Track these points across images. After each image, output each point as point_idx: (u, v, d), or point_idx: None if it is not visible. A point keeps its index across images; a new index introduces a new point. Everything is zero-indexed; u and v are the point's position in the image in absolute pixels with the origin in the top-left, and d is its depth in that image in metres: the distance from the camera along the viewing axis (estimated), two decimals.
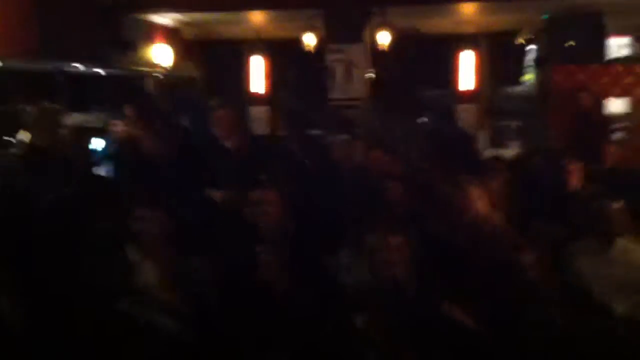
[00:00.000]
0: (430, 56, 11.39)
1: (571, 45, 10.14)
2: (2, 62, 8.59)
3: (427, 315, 3.59)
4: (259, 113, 10.32)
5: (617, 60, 10.90)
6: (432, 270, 4.17)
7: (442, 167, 6.55)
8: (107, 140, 6.42)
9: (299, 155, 7.29)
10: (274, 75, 10.72)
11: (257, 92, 10.57)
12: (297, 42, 10.64)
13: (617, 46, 11.74)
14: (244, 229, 4.46)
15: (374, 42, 10.55)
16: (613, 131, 8.87)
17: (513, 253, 4.02)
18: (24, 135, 5.52)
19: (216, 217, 5.08)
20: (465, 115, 9.15)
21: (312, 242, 4.79)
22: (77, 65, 9.82)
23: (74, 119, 9.14)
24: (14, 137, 6.05)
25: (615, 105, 9.41)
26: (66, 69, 9.87)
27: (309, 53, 10.69)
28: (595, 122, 8.48)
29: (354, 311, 3.44)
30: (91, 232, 4.22)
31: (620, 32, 11.52)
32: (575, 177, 6.56)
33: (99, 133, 7.36)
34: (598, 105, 9.07)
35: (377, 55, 10.84)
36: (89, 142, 6.81)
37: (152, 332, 3.67)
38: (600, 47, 10.32)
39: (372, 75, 11.08)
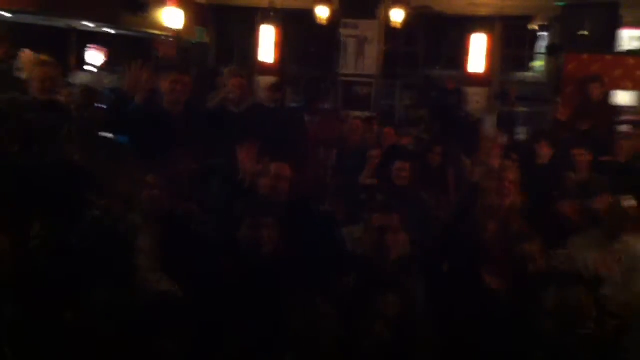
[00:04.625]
0: (442, 36, 11.34)
1: (584, 35, 10.08)
2: (13, 15, 8.54)
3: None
4: (267, 83, 10.25)
5: (630, 52, 10.84)
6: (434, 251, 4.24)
7: (450, 148, 6.60)
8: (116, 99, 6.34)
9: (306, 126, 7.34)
10: (285, 46, 10.62)
11: (266, 62, 10.47)
12: (310, 13, 10.59)
13: (629, 38, 11.66)
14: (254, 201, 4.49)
15: (387, 19, 10.48)
16: (622, 123, 8.86)
17: (519, 242, 4.05)
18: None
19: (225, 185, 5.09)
20: (475, 98, 9.11)
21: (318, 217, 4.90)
22: (88, 23, 9.78)
23: (83, 78, 9.16)
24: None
25: (624, 98, 9.36)
26: (77, 26, 9.84)
27: (321, 26, 10.64)
28: (605, 114, 8.45)
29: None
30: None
31: (633, 25, 11.43)
32: (583, 167, 6.59)
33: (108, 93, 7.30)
34: (608, 96, 9.02)
35: (390, 33, 10.77)
36: (97, 101, 6.73)
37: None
38: (613, 38, 10.25)
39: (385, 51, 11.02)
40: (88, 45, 10.56)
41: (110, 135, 5.60)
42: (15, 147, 4.37)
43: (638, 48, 11.44)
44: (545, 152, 6.87)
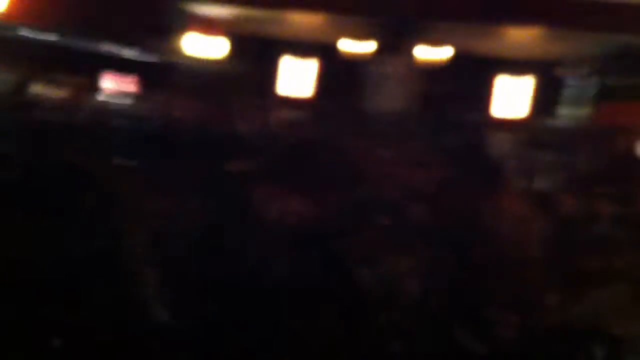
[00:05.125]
0: (473, 78, 11.21)
1: (622, 83, 9.93)
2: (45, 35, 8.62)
3: None
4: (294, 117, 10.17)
5: None
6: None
7: (476, 190, 6.43)
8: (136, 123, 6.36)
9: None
10: (315, 81, 10.58)
11: (295, 96, 10.44)
12: (341, 48, 10.52)
13: None
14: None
15: (420, 58, 10.40)
16: None
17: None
18: None
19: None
20: (502, 143, 8.95)
21: None
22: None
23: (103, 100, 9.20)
24: None
25: None
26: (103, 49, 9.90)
27: (352, 61, 10.58)
28: (632, 164, 8.27)
29: None
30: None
31: None
32: (609, 220, 6.40)
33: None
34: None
35: (421, 71, 10.67)
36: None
37: None
38: None
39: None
40: (111, 70, 10.60)
41: (125, 159, 5.61)
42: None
43: None
44: (570, 203, 6.69)
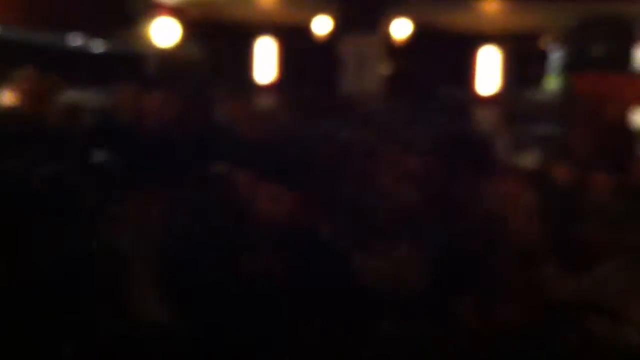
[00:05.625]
0: (448, 53, 11.02)
1: (598, 53, 9.89)
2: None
3: None
4: (266, 101, 9.88)
5: None
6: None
7: (458, 169, 6.24)
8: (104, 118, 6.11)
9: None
10: (283, 63, 10.30)
11: (264, 80, 10.13)
12: (308, 29, 10.24)
13: None
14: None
15: (389, 35, 10.15)
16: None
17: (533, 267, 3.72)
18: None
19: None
20: (484, 118, 8.76)
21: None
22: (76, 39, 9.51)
23: (70, 95, 8.80)
24: None
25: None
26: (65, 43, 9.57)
27: (320, 42, 10.29)
28: (621, 134, 8.13)
29: None
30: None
31: None
32: (604, 192, 6.24)
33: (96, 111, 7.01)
34: (624, 117, 8.70)
35: (392, 49, 10.41)
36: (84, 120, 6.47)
37: None
38: (628, 56, 10.03)
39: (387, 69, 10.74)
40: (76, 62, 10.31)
41: (97, 155, 5.45)
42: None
43: None
44: (562, 176, 6.55)
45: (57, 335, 3.42)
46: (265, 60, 10.05)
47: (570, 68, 10.30)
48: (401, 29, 10.12)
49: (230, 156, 5.34)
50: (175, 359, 3.41)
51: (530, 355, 3.12)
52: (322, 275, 3.85)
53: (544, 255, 3.98)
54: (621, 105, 8.60)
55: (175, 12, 10.41)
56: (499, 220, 4.44)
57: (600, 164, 6.77)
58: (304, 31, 10.37)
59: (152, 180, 4.26)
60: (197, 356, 3.43)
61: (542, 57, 11.86)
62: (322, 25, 10.19)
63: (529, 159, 7.89)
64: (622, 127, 8.52)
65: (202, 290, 3.80)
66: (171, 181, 4.58)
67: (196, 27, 11.20)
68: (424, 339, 3.48)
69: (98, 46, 10.13)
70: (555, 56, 11.52)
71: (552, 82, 11.58)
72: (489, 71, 9.35)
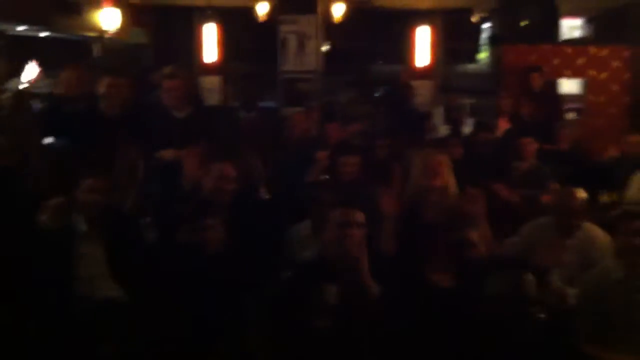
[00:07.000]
0: (385, 30, 11.28)
1: (524, 25, 10.18)
2: None
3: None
4: (210, 83, 10.02)
5: (569, 41, 11.00)
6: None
7: (398, 142, 6.53)
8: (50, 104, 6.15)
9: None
10: (226, 45, 10.41)
11: (208, 62, 10.24)
12: (250, 10, 10.41)
13: (569, 27, 11.86)
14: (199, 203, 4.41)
15: (327, 14, 10.37)
16: (565, 112, 8.95)
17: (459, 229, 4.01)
18: None
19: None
20: (420, 91, 9.04)
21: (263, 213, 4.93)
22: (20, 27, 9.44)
23: (15, 83, 8.82)
24: None
25: (568, 86, 9.44)
26: (7, 30, 9.49)
27: (261, 23, 10.46)
28: (547, 102, 8.52)
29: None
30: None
31: (572, 14, 11.60)
32: (529, 156, 6.63)
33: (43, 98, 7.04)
34: (550, 86, 9.10)
35: (330, 28, 10.66)
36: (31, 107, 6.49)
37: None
38: (553, 28, 10.38)
39: (326, 47, 10.92)
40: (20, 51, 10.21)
41: (46, 140, 5.52)
42: None
43: (578, 37, 11.67)
44: (488, 141, 6.89)
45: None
46: (208, 42, 10.11)
47: (499, 40, 10.59)
48: (337, 8, 10.33)
49: (166, 134, 5.54)
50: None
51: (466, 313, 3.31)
52: None
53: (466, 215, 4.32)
54: (547, 73, 8.97)
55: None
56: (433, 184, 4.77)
57: (528, 129, 7.19)
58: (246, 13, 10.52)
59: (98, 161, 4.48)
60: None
61: (474, 31, 12.23)
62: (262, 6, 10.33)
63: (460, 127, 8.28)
64: (548, 94, 8.92)
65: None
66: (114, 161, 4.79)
67: (140, 12, 11.27)
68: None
69: (42, 33, 10.07)
70: (485, 29, 11.91)
71: (483, 55, 11.98)
72: (422, 46, 9.58)
